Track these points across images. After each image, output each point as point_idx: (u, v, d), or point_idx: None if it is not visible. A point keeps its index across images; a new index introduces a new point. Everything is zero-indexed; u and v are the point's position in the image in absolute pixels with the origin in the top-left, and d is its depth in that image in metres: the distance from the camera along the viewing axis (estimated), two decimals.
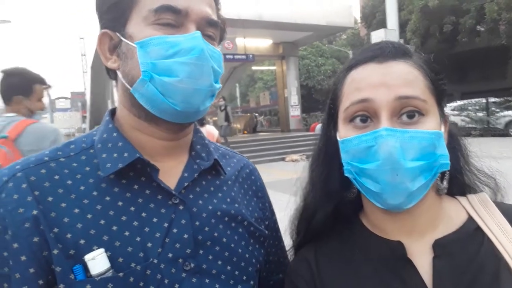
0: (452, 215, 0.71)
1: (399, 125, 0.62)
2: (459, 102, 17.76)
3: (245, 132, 22.50)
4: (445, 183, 0.71)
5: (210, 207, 0.74)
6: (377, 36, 7.13)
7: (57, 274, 0.59)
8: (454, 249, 0.66)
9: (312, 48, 30.02)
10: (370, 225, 0.74)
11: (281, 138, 15.30)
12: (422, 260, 0.66)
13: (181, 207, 0.69)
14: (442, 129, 0.66)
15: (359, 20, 28.04)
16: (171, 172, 0.73)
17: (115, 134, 0.71)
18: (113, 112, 0.77)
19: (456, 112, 17.08)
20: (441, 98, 0.68)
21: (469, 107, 16.89)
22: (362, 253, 0.71)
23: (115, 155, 0.68)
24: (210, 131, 6.62)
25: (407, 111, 0.62)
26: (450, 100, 19.83)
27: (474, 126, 16.26)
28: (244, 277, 0.75)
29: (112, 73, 0.74)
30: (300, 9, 14.04)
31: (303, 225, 0.82)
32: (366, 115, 0.64)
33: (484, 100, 16.38)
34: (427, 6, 19.13)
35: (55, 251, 0.59)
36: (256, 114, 27.44)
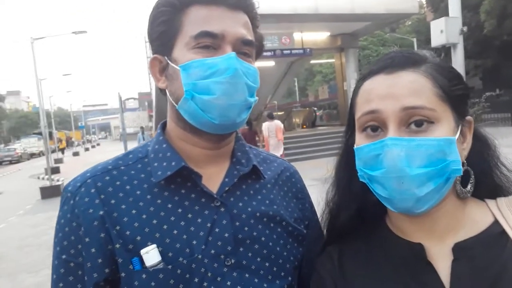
0: (476, 218, 0.70)
1: (407, 134, 0.64)
2: None
3: (304, 126, 22.38)
4: (469, 186, 0.71)
5: (249, 209, 0.81)
6: (437, 26, 6.56)
7: (119, 264, 0.71)
8: (475, 252, 0.66)
9: (373, 38, 28.79)
10: (393, 227, 0.76)
11: (340, 132, 14.76)
12: (442, 263, 0.67)
13: (222, 209, 0.78)
14: (457, 135, 0.67)
15: (425, 4, 26.29)
16: (214, 177, 0.82)
17: (164, 145, 0.82)
18: (164, 125, 0.88)
19: None
20: (457, 104, 0.68)
21: None
22: (384, 254, 0.74)
23: (164, 163, 0.78)
24: (278, 124, 9.70)
25: (415, 120, 0.64)
26: None
27: None
28: (282, 273, 0.82)
29: (163, 91, 0.85)
30: None
31: (328, 225, 0.86)
32: (376, 125, 0.68)
33: None
34: None
35: (117, 245, 0.71)
36: (315, 108, 27.09)
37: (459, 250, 0.67)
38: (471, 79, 23.21)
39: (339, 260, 0.79)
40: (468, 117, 0.71)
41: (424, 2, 26.32)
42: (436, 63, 0.70)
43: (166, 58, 0.79)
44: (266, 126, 9.72)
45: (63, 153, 35.45)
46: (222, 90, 0.73)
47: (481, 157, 0.74)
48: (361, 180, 0.71)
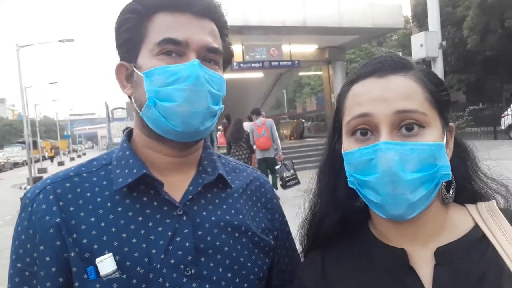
0: (457, 223, 0.71)
1: (399, 138, 0.64)
2: None
3: (292, 138, 22.44)
4: (451, 192, 0.72)
5: (213, 218, 0.80)
6: (417, 40, 6.78)
7: (73, 273, 0.69)
8: (456, 257, 0.67)
9: (361, 51, 29.29)
10: (377, 233, 0.76)
11: None
12: (424, 268, 0.68)
13: (184, 218, 0.77)
14: (444, 140, 0.67)
15: (411, 20, 26.93)
16: (178, 185, 0.81)
17: (128, 152, 0.81)
18: (130, 132, 0.87)
19: None
20: (443, 109, 0.69)
21: None
22: (367, 260, 0.73)
23: (126, 171, 0.77)
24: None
25: (405, 124, 0.64)
26: None
27: None
28: (245, 285, 0.80)
29: (130, 98, 0.84)
30: (345, 12, 13.81)
31: (311, 232, 0.86)
32: (366, 129, 0.67)
33: None
34: (485, 1, 17.94)
35: (72, 254, 0.69)
36: (303, 120, 27.24)
37: (441, 254, 0.67)
38: (455, 93, 23.72)
39: (322, 266, 0.78)
40: (451, 124, 0.72)
41: (410, 18, 26.98)
42: (423, 69, 0.71)
43: (132, 65, 0.78)
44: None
45: (52, 161, 35.30)
46: (183, 97, 0.72)
47: (462, 162, 0.75)
48: (350, 186, 0.71)
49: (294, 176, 6.97)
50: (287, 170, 7.05)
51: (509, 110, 16.33)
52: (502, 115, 16.50)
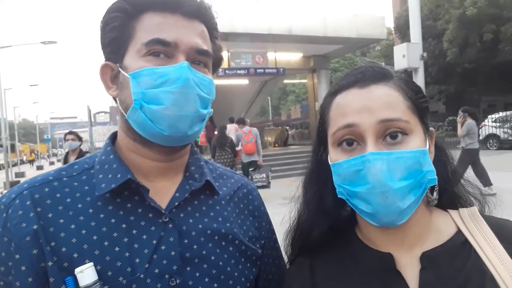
0: (441, 228, 0.73)
1: (385, 146, 0.65)
2: (501, 114, 16.86)
3: (276, 145, 22.48)
4: (435, 194, 0.73)
5: (200, 226, 0.77)
6: (399, 51, 6.95)
7: (51, 284, 0.65)
8: (441, 261, 0.68)
9: (345, 61, 29.74)
10: (364, 238, 0.76)
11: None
12: (411, 272, 0.69)
13: (170, 225, 0.74)
14: (427, 146, 0.69)
15: (393, 31, 27.54)
16: (164, 191, 0.78)
17: (111, 156, 0.77)
18: (114, 135, 0.84)
19: (498, 124, 16.21)
20: (423, 116, 0.71)
21: None
22: (355, 264, 0.74)
23: (110, 175, 0.74)
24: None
25: (390, 132, 0.65)
26: (492, 111, 18.87)
27: None
28: None
29: (115, 100, 0.81)
30: (330, 22, 13.99)
31: (298, 242, 0.85)
32: (352, 139, 0.68)
33: None
34: (465, 15, 18.50)
35: (50, 263, 0.65)
36: (287, 127, 27.37)
37: (426, 259, 0.69)
38: (435, 103, 24.29)
39: (311, 271, 0.78)
40: (431, 128, 0.73)
41: (393, 29, 27.59)
42: (402, 78, 0.72)
43: (117, 65, 0.75)
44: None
45: (32, 164, 35.02)
46: (171, 100, 0.70)
47: (442, 166, 0.76)
48: (339, 196, 0.71)
49: (263, 180, 8.10)
50: (259, 173, 8.50)
51: (486, 121, 16.82)
52: (480, 126, 16.96)
